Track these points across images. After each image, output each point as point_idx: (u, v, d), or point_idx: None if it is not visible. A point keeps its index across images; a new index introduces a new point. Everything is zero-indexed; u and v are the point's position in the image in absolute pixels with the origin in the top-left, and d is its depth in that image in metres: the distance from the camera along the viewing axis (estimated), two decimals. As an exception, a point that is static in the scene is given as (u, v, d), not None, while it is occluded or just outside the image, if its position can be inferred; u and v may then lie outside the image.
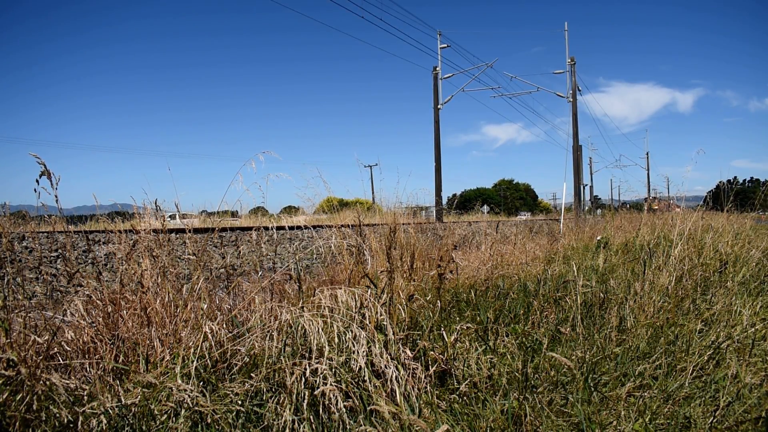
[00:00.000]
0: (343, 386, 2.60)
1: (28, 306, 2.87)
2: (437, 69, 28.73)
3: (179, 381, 2.47)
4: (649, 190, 60.60)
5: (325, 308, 2.99)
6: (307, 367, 2.59)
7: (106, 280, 3.20)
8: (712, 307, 4.19)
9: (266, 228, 7.64)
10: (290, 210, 20.62)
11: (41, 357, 2.43)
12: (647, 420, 2.63)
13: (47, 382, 2.33)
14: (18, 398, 2.22)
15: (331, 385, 2.51)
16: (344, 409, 2.50)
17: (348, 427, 2.51)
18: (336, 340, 2.81)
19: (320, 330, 2.77)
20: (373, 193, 19.55)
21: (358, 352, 2.71)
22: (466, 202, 63.64)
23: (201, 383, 2.58)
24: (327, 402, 2.52)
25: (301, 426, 2.47)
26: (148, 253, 3.27)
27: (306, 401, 2.50)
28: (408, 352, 2.91)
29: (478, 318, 3.85)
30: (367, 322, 2.96)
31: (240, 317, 3.18)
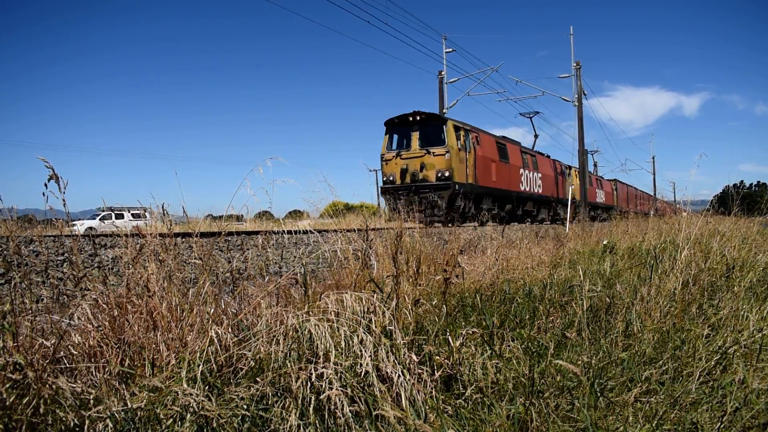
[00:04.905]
0: (349, 391, 2.60)
1: (35, 309, 2.88)
2: (442, 73, 28.79)
3: (185, 385, 2.48)
4: (655, 193, 59.42)
5: (331, 313, 3.00)
6: (313, 371, 2.59)
7: (112, 284, 3.21)
8: (719, 311, 4.17)
9: (272, 232, 7.65)
10: (296, 214, 20.65)
11: (48, 360, 2.44)
12: (654, 425, 2.62)
13: (54, 386, 2.34)
14: (25, 402, 2.23)
15: (336, 389, 2.51)
16: (350, 414, 2.50)
17: (354, 431, 2.51)
18: (342, 344, 2.81)
19: (326, 334, 2.77)
20: (378, 197, 19.66)
21: (364, 357, 2.71)
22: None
23: (206, 387, 2.59)
24: (332, 406, 2.52)
25: (307, 430, 2.47)
26: (154, 257, 3.28)
27: (312, 406, 2.51)
28: (414, 356, 2.91)
29: (484, 323, 3.84)
30: (374, 327, 2.96)
31: (246, 321, 3.18)
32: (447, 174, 18.06)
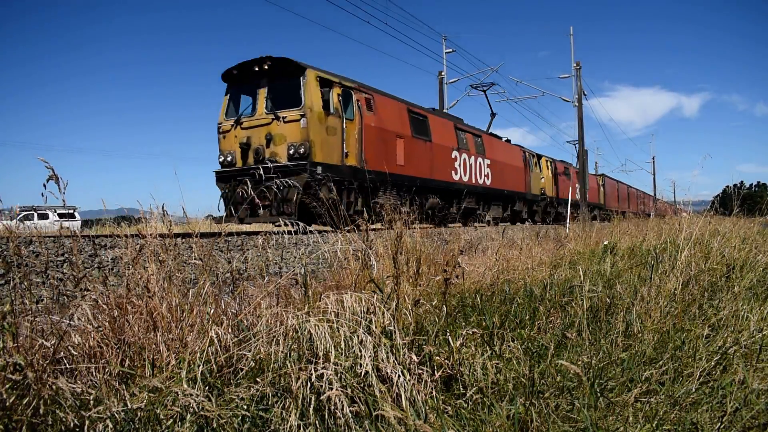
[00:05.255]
0: (349, 391, 2.60)
1: (35, 310, 2.88)
2: (442, 74, 28.83)
3: (185, 385, 2.48)
4: (655, 194, 59.01)
5: (331, 313, 3.00)
6: (313, 372, 2.59)
7: (112, 284, 3.21)
8: (719, 312, 4.17)
9: (273, 233, 7.64)
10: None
11: (48, 361, 2.44)
12: (654, 425, 2.62)
13: (53, 386, 2.34)
14: (24, 402, 2.23)
15: (336, 390, 2.51)
16: (350, 414, 2.50)
17: (354, 431, 2.51)
18: (342, 345, 2.81)
19: (326, 335, 2.77)
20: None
21: (364, 357, 2.71)
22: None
23: (206, 388, 2.59)
24: (333, 407, 2.52)
25: (307, 431, 2.47)
26: (154, 258, 3.28)
27: (312, 406, 2.51)
28: (414, 357, 2.91)
29: (484, 323, 3.84)
30: (374, 327, 2.96)
31: (246, 322, 3.18)
32: (302, 150, 11.87)
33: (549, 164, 28.55)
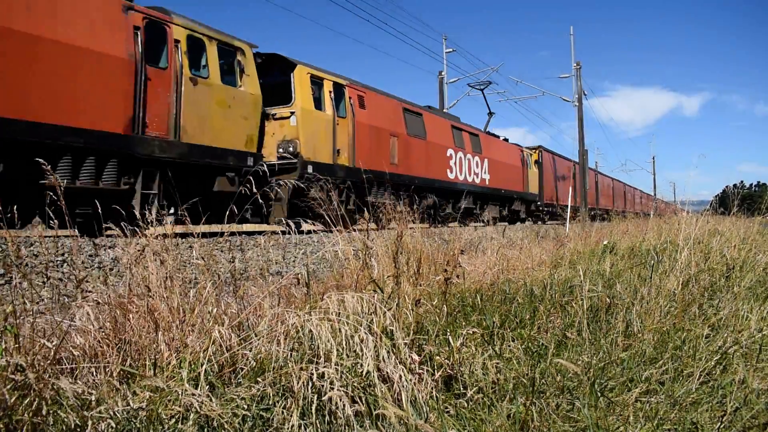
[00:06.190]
0: (350, 390, 2.61)
1: (35, 311, 2.88)
2: (443, 73, 28.82)
3: (187, 385, 2.48)
4: (655, 194, 58.72)
5: (332, 313, 3.00)
6: (314, 371, 2.60)
7: (113, 284, 3.22)
8: (719, 312, 4.18)
9: (274, 232, 7.65)
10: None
11: (49, 362, 2.44)
12: (654, 425, 2.62)
13: (55, 387, 2.34)
14: (26, 403, 2.23)
15: (338, 389, 2.51)
16: (351, 414, 2.50)
17: (355, 431, 2.51)
18: (343, 344, 2.82)
19: (328, 334, 2.77)
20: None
21: (365, 357, 2.71)
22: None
23: (208, 387, 2.59)
24: (334, 406, 2.53)
25: (308, 430, 2.47)
26: (155, 258, 3.28)
27: (314, 406, 2.51)
28: (414, 356, 2.92)
29: (484, 323, 3.85)
30: (375, 327, 2.96)
31: (248, 321, 3.19)
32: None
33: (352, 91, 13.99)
